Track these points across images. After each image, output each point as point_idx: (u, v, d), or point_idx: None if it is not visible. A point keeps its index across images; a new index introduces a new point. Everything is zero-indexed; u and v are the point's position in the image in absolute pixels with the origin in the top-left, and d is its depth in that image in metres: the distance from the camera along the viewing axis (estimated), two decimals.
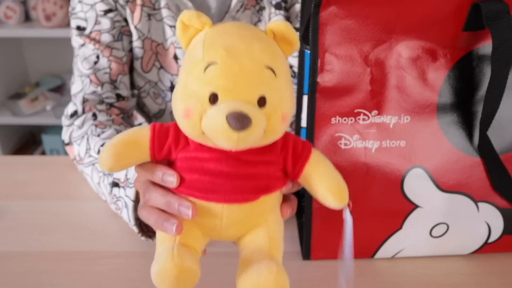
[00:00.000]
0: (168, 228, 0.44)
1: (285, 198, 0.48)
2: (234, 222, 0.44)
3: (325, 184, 0.44)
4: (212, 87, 0.38)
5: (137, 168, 0.47)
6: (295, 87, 0.81)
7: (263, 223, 0.45)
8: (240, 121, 0.36)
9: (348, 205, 0.46)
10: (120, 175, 0.63)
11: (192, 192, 0.43)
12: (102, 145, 0.67)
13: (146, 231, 0.62)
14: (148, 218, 0.47)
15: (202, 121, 0.39)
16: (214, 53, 0.38)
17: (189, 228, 0.44)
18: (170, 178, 0.43)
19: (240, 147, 0.39)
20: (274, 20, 0.41)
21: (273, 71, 0.39)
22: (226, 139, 0.38)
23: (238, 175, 0.42)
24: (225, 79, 0.38)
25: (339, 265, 0.49)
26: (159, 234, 0.45)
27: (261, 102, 0.38)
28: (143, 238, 0.62)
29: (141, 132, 0.44)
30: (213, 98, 0.38)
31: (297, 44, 0.41)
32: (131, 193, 0.60)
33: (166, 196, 0.45)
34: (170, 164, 0.45)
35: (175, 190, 0.44)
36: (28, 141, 2.27)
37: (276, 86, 0.39)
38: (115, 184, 0.63)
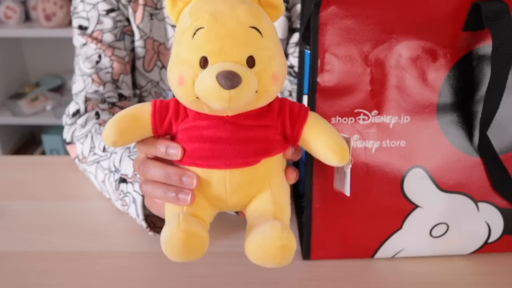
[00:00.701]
0: (182, 198, 0.44)
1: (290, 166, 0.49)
2: (237, 188, 0.44)
3: (325, 143, 0.45)
4: (201, 52, 0.39)
5: (139, 144, 0.47)
6: (295, 87, 0.81)
7: (267, 188, 0.45)
8: (229, 79, 0.37)
9: (351, 161, 0.47)
10: (128, 171, 0.63)
11: (194, 161, 0.44)
12: None
13: (153, 226, 0.62)
14: (153, 191, 0.47)
15: (194, 85, 0.40)
16: (200, 19, 0.40)
17: (196, 199, 0.45)
18: (174, 151, 0.44)
19: (233, 106, 0.40)
20: None
21: (259, 31, 0.40)
22: (218, 99, 0.39)
23: (236, 140, 0.43)
24: (213, 42, 0.39)
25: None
26: (168, 206, 0.46)
27: (250, 62, 0.40)
28: (151, 233, 0.62)
29: (143, 107, 0.46)
30: (204, 62, 0.39)
31: (281, 7, 0.43)
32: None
33: (165, 168, 0.45)
34: (172, 139, 0.46)
35: (178, 162, 0.45)
36: (28, 141, 2.27)
37: (263, 45, 0.40)
38: (122, 180, 0.63)
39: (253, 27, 0.40)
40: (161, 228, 0.61)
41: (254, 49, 0.40)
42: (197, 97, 0.40)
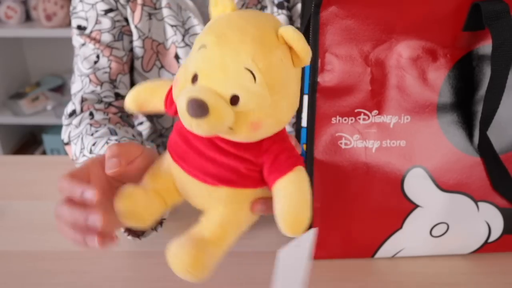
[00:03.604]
0: (90, 244, 0.44)
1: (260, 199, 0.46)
2: (196, 195, 0.45)
3: (283, 209, 0.41)
4: (196, 68, 0.39)
5: (60, 185, 0.47)
6: None
7: (221, 209, 0.44)
8: (194, 109, 0.37)
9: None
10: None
11: (171, 152, 0.45)
12: (93, 144, 0.67)
13: (130, 230, 0.61)
14: (66, 235, 0.47)
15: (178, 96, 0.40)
16: (207, 37, 0.39)
17: (166, 180, 0.46)
18: (89, 195, 0.44)
19: (199, 133, 0.39)
20: (287, 26, 0.39)
21: (253, 75, 0.38)
22: (185, 122, 0.39)
23: (206, 157, 0.42)
24: (206, 64, 0.39)
25: None
26: (151, 169, 0.47)
27: (234, 100, 0.38)
28: (129, 237, 0.61)
29: (165, 84, 0.47)
30: (194, 78, 0.39)
31: (304, 58, 0.39)
32: None
33: (73, 212, 0.45)
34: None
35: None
36: (29, 141, 2.27)
37: (254, 91, 0.38)
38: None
39: (248, 69, 0.38)
40: (138, 231, 0.61)
41: (241, 91, 0.38)
42: None
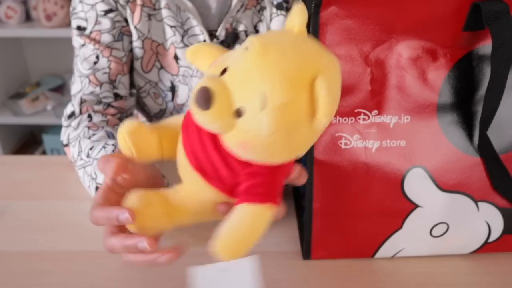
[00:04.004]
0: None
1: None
2: (181, 166, 0.46)
3: (230, 228, 0.41)
4: (229, 63, 0.39)
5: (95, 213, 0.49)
6: None
7: (190, 189, 0.46)
8: (200, 99, 0.37)
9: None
10: (101, 180, 0.63)
11: (185, 117, 0.45)
12: (91, 148, 0.67)
13: None
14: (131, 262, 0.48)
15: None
16: (256, 43, 0.38)
17: (171, 132, 0.47)
18: (124, 216, 0.45)
19: (198, 122, 0.40)
20: (325, 79, 0.37)
21: (266, 102, 0.37)
22: (192, 110, 0.39)
23: (201, 141, 0.43)
24: (235, 65, 0.39)
25: None
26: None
27: (238, 113, 0.38)
28: None
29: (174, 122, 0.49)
30: (223, 70, 0.39)
31: (321, 119, 0.37)
32: None
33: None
34: None
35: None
36: (29, 141, 2.28)
37: (258, 117, 0.37)
38: (97, 189, 0.63)
39: (264, 94, 0.36)
40: None
41: (248, 107, 0.37)
42: None
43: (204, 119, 0.39)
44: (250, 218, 0.41)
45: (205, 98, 0.37)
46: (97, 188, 0.64)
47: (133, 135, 0.45)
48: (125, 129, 0.45)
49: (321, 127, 0.38)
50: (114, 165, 0.49)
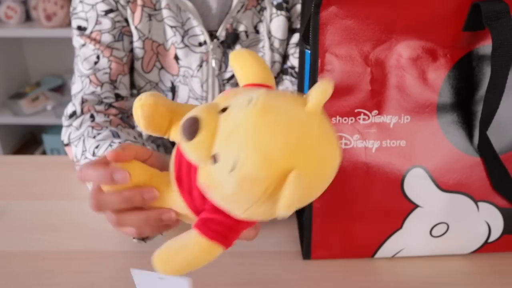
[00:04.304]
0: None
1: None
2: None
3: (167, 244, 0.41)
4: (234, 101, 0.38)
5: (87, 171, 0.47)
6: (296, 87, 0.81)
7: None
8: (186, 128, 0.37)
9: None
10: None
11: None
12: (96, 147, 0.67)
13: None
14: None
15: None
16: (262, 96, 0.37)
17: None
18: (120, 175, 0.44)
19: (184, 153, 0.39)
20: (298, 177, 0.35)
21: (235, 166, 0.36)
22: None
23: (186, 159, 0.41)
24: (233, 110, 0.37)
25: None
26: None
27: (214, 157, 0.37)
28: (135, 240, 0.61)
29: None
30: (225, 108, 0.38)
31: (279, 210, 0.35)
32: None
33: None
34: None
35: None
36: (29, 141, 2.28)
37: (221, 170, 0.36)
38: None
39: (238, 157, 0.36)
40: (144, 237, 0.61)
41: (222, 154, 0.36)
42: None
43: (184, 147, 0.38)
44: (196, 248, 0.41)
45: (191, 130, 0.36)
46: None
47: (147, 110, 0.42)
48: (140, 102, 0.43)
49: (280, 215, 0.36)
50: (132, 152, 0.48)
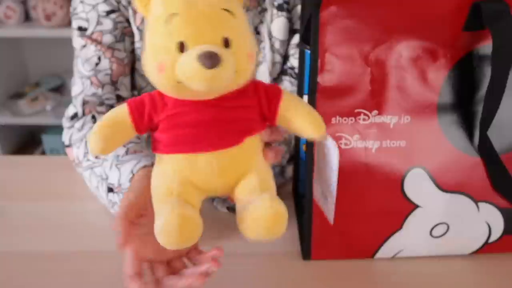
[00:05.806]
0: None
1: (268, 146, 0.48)
2: (224, 170, 0.44)
3: (303, 117, 0.45)
4: (178, 37, 0.40)
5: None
6: (295, 88, 0.81)
7: (252, 168, 0.45)
8: (210, 58, 0.38)
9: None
10: (113, 180, 0.63)
11: (179, 148, 0.44)
12: None
13: None
14: None
15: (175, 70, 0.40)
16: (173, 5, 0.41)
17: (183, 185, 0.44)
18: None
19: (215, 86, 0.40)
20: None
21: (231, 12, 0.41)
22: (201, 80, 0.39)
23: (221, 121, 0.43)
24: (188, 26, 0.40)
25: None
26: (155, 196, 0.45)
27: (226, 43, 0.40)
28: None
29: (120, 110, 0.46)
30: (181, 47, 0.40)
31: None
32: None
33: None
34: (154, 131, 0.46)
35: (162, 151, 0.45)
36: (28, 141, 2.27)
37: (237, 26, 0.41)
38: (110, 189, 0.63)
39: (225, 9, 0.41)
40: None
41: (229, 30, 0.41)
42: (178, 82, 0.41)
43: (225, 71, 0.39)
44: (298, 100, 0.47)
45: (211, 55, 0.38)
46: (108, 188, 0.64)
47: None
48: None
49: None
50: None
